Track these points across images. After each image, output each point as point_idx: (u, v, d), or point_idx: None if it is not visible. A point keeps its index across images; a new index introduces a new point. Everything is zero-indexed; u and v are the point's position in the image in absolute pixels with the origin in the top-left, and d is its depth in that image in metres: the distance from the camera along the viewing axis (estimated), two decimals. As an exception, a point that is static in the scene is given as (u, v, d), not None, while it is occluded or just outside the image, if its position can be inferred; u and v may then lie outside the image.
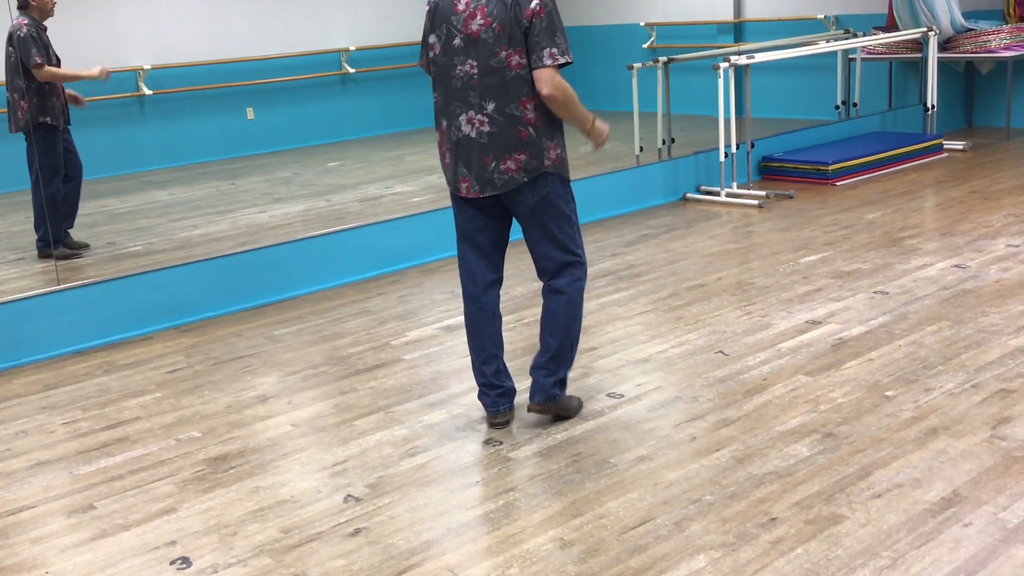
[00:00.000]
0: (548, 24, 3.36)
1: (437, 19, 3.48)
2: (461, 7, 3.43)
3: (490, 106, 3.42)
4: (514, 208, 3.56)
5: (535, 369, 3.67)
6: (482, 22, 3.39)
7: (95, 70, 6.04)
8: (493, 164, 3.46)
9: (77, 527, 3.22)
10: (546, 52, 3.35)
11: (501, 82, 3.40)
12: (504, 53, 3.37)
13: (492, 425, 3.71)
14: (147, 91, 9.41)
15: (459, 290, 5.48)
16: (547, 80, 3.36)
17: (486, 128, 3.44)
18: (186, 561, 2.96)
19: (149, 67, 9.43)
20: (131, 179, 8.84)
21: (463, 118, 3.47)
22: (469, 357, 3.75)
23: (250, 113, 10.22)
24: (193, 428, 3.93)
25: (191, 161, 9.70)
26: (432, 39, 3.52)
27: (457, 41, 3.44)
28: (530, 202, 3.50)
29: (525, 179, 3.46)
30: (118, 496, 3.40)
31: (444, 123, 3.55)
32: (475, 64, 3.41)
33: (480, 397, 3.75)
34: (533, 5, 3.35)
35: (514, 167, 3.45)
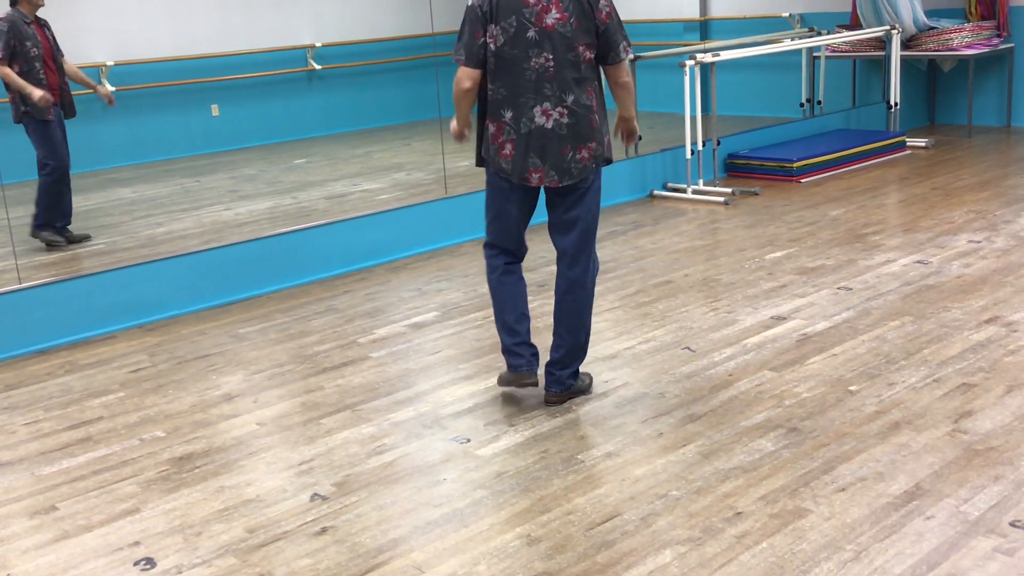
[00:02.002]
0: (618, 20, 3.61)
1: (503, 11, 3.53)
2: (532, 0, 3.51)
3: (569, 98, 3.57)
4: (567, 194, 3.68)
5: (551, 364, 3.82)
6: (558, 16, 3.52)
7: (37, 94, 6.05)
8: (571, 154, 3.61)
9: (39, 528, 3.18)
10: (621, 47, 3.61)
11: (577, 75, 3.57)
12: (581, 48, 3.56)
13: (523, 385, 3.81)
14: (110, 87, 9.30)
15: (426, 287, 5.49)
16: (626, 71, 3.68)
17: (565, 120, 3.58)
18: (150, 562, 2.93)
19: (112, 63, 9.32)
20: (94, 176, 8.72)
21: (537, 110, 3.57)
22: (495, 323, 3.84)
23: (215, 110, 10.13)
24: (157, 428, 3.89)
25: (155, 158, 9.59)
26: (495, 31, 3.54)
27: (531, 34, 3.52)
28: (585, 187, 3.68)
29: (594, 165, 3.66)
30: (81, 497, 3.36)
31: (509, 114, 3.60)
32: (551, 57, 3.54)
33: (513, 359, 3.80)
34: (603, 5, 3.55)
35: (587, 155, 3.64)
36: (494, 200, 3.78)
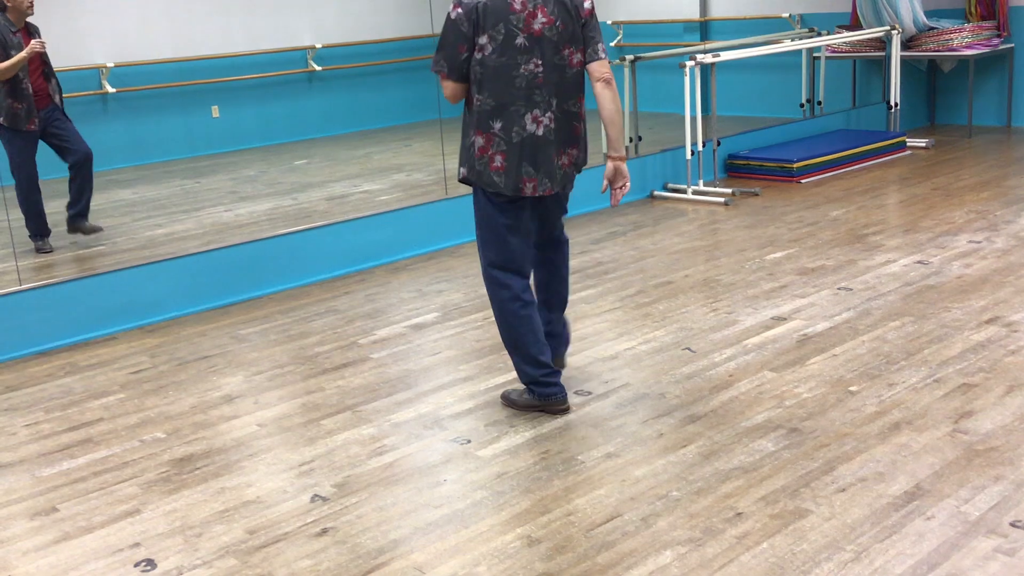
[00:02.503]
0: (597, 20, 3.63)
1: (489, 19, 3.44)
2: (518, 6, 3.47)
3: (554, 103, 3.55)
4: (557, 200, 3.73)
5: (562, 326, 3.88)
6: (544, 20, 3.49)
7: (26, 50, 6.01)
8: (556, 160, 3.60)
9: (40, 530, 3.18)
10: (600, 46, 3.61)
11: (562, 79, 3.55)
12: (567, 51, 3.55)
13: (559, 412, 3.75)
14: (110, 89, 9.31)
15: (427, 288, 5.49)
16: (608, 69, 3.61)
17: (552, 125, 3.56)
18: (151, 563, 2.93)
19: (112, 65, 9.33)
20: (94, 178, 8.72)
21: (528, 117, 3.52)
22: (512, 352, 3.73)
23: (215, 111, 10.14)
24: (157, 429, 3.89)
25: (155, 160, 9.60)
26: (483, 40, 3.46)
27: (520, 40, 3.47)
28: (567, 191, 3.75)
29: (573, 173, 3.69)
30: (81, 498, 3.37)
31: (498, 124, 3.51)
32: (540, 63, 3.50)
33: (544, 389, 3.72)
34: (587, 3, 3.58)
35: (567, 162, 3.65)
36: (491, 220, 3.62)
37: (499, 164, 3.53)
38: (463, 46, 3.49)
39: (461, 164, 3.64)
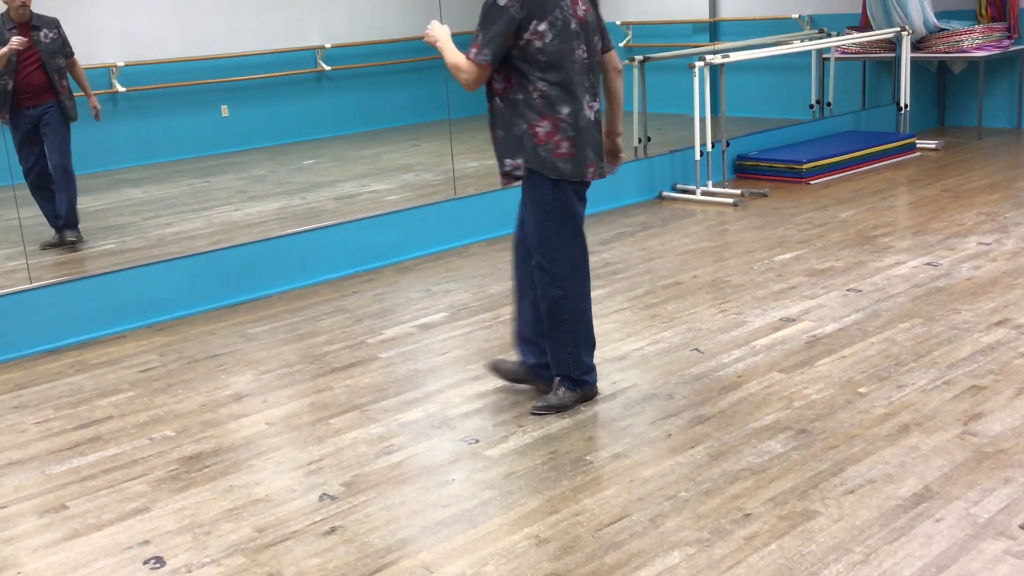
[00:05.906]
0: None
1: (548, 5, 3.45)
2: None
3: (596, 89, 3.64)
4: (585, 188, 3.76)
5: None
6: (584, 8, 3.58)
7: (6, 47, 6.04)
8: (601, 145, 3.70)
9: (49, 527, 3.19)
10: (609, 36, 3.71)
11: (593, 65, 3.62)
12: (596, 39, 3.63)
13: (592, 397, 3.84)
14: (120, 88, 9.34)
15: (435, 288, 5.49)
16: (618, 58, 3.76)
17: (595, 108, 3.64)
18: (160, 561, 2.94)
19: (122, 64, 9.35)
20: (104, 177, 8.76)
21: (585, 102, 3.56)
22: (575, 347, 3.73)
23: (225, 111, 10.16)
24: (167, 427, 3.90)
25: (165, 159, 9.62)
26: (542, 27, 3.44)
27: (573, 26, 3.52)
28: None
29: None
30: (91, 496, 3.38)
31: (566, 110, 3.50)
32: (585, 49, 3.56)
33: (590, 376, 3.81)
34: None
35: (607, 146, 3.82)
36: (559, 211, 3.56)
37: (565, 150, 3.51)
38: (510, 33, 3.44)
39: (510, 156, 3.53)
